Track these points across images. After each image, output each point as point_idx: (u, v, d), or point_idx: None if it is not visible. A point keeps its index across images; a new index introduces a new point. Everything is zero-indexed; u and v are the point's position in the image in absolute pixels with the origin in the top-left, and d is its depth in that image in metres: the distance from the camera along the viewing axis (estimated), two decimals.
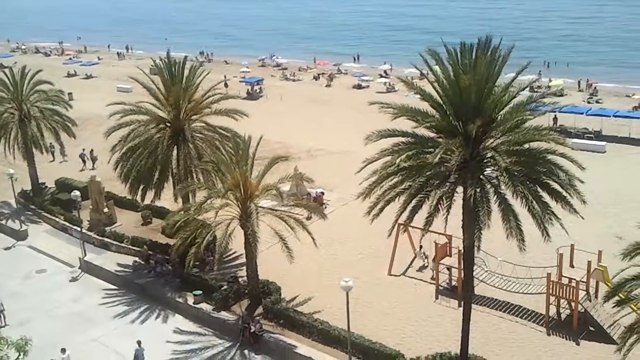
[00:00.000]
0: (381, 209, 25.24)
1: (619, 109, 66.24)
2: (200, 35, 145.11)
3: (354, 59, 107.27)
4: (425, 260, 36.33)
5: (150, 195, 38.13)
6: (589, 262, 30.38)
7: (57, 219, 45.70)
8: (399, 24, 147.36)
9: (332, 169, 51.90)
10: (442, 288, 34.25)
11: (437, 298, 33.57)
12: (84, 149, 58.47)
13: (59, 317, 34.83)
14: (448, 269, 34.41)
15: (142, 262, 38.25)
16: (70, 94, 71.74)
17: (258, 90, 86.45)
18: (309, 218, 36.66)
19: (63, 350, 29.39)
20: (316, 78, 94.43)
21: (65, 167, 57.53)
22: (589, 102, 71.70)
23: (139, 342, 30.47)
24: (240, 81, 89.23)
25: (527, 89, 28.23)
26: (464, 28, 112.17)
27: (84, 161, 58.45)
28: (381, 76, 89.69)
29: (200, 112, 38.28)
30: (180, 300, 34.66)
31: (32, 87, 49.09)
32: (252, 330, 30.79)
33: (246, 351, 30.82)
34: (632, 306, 23.40)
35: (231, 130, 37.61)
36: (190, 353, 31.03)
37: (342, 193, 46.38)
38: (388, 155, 25.05)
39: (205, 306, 33.63)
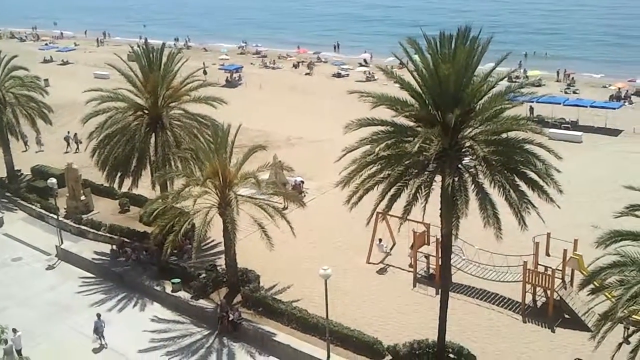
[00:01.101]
0: (360, 198, 25.31)
1: (595, 99, 66.89)
2: (177, 23, 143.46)
3: (334, 47, 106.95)
4: (386, 249, 36.53)
5: (127, 182, 37.92)
6: (565, 251, 30.75)
7: (34, 207, 45.20)
8: (376, 14, 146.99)
9: (312, 157, 51.86)
10: (420, 276, 34.49)
11: (415, 286, 33.80)
12: (68, 132, 57.75)
13: (36, 306, 34.52)
14: (426, 257, 34.64)
15: (117, 250, 37.95)
16: (46, 80, 70.79)
17: (237, 78, 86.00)
18: (285, 208, 36.59)
19: (14, 331, 29.04)
20: (296, 66, 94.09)
21: (45, 153, 56.83)
22: (566, 93, 72.29)
23: (98, 315, 31.00)
24: (220, 68, 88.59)
25: (506, 79, 28.44)
26: (443, 20, 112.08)
27: (68, 144, 57.80)
28: (361, 65, 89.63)
29: (179, 99, 38.04)
30: (158, 288, 34.51)
31: (7, 72, 48.39)
32: (230, 319, 30.79)
33: (225, 339, 30.82)
34: (607, 294, 23.71)
35: (210, 118, 37.41)
36: (169, 341, 30.95)
37: (321, 182, 46.39)
38: (367, 144, 25.09)
39: (183, 294, 33.54)
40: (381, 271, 35.45)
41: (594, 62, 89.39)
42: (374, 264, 36.13)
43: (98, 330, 30.79)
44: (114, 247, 38.31)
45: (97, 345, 30.95)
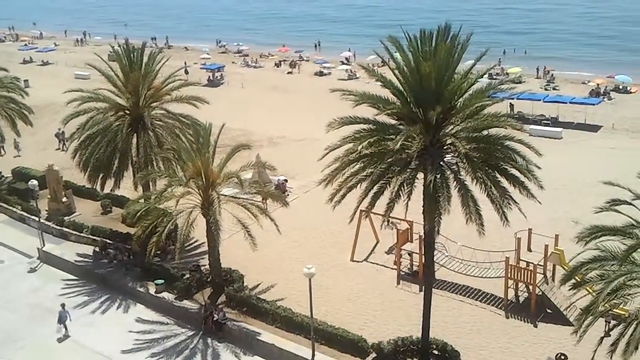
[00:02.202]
0: (343, 196, 25.37)
1: (575, 95, 67.49)
2: (157, 23, 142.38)
3: (315, 46, 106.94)
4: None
5: (109, 184, 37.69)
6: (546, 246, 31.01)
7: (15, 209, 44.76)
8: (353, 14, 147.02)
9: (295, 156, 51.84)
10: (403, 273, 34.63)
11: (398, 283, 33.94)
12: (59, 128, 57.09)
13: (17, 309, 34.21)
14: (409, 254, 34.79)
15: (100, 252, 37.72)
16: (26, 81, 70.16)
17: (219, 77, 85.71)
18: (264, 210, 35.87)
19: None
20: (278, 65, 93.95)
21: (27, 154, 56.25)
22: (546, 89, 72.87)
23: (62, 305, 31.68)
24: (201, 68, 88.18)
25: (486, 76, 28.64)
26: (423, 19, 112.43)
27: (60, 140, 57.10)
28: (343, 63, 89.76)
29: (160, 99, 37.86)
30: (141, 289, 34.36)
31: None
32: (214, 319, 30.74)
33: (209, 339, 30.76)
34: (588, 289, 23.99)
35: (192, 118, 37.26)
36: (153, 342, 30.83)
37: (304, 180, 46.38)
38: (350, 142, 25.13)
39: (167, 295, 33.42)
40: (365, 269, 35.55)
41: (573, 58, 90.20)
42: (357, 261, 36.22)
43: (62, 320, 31.26)
44: (97, 248, 38.06)
45: (61, 335, 31.35)
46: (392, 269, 35.06)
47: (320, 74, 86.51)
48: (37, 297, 35.36)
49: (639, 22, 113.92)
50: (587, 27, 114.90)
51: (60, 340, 31.02)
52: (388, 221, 27.30)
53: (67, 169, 44.03)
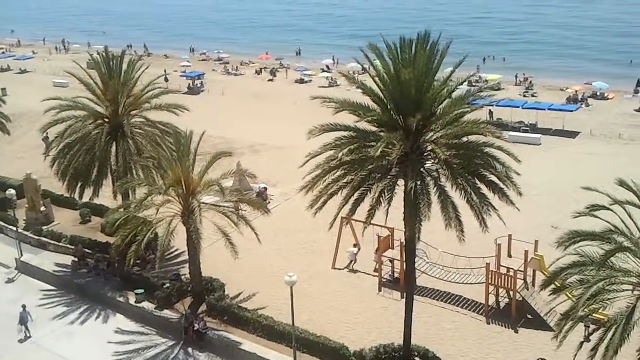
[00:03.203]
0: (324, 203, 25.35)
1: (553, 102, 68.18)
2: (135, 31, 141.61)
3: (296, 53, 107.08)
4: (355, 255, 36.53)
5: (88, 192, 37.25)
6: (526, 252, 31.22)
7: None
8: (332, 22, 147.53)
9: (275, 163, 51.79)
10: (385, 280, 34.67)
11: (380, 290, 33.96)
12: (46, 133, 56.28)
13: None
14: (390, 261, 34.83)
15: (78, 261, 37.31)
16: (3, 89, 69.58)
17: (199, 85, 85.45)
18: (237, 208, 35.44)
19: None
20: (258, 72, 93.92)
21: (9, 162, 55.55)
22: (524, 96, 73.55)
23: (23, 306, 31.75)
24: (181, 75, 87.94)
25: (465, 83, 28.84)
26: (402, 27, 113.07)
27: (46, 146, 56.13)
28: (323, 70, 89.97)
29: (140, 107, 37.56)
30: (121, 299, 34.02)
31: None
32: (195, 328, 30.50)
33: (190, 349, 30.51)
34: (568, 294, 24.15)
35: (172, 126, 37.01)
36: (133, 353, 30.49)
37: (285, 188, 46.33)
38: (330, 150, 25.14)
39: (147, 305, 33.11)
40: (346, 276, 35.51)
41: (551, 65, 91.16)
42: (339, 269, 36.18)
43: (23, 321, 31.24)
44: (76, 258, 37.64)
45: (22, 337, 31.30)
46: (373, 276, 35.08)
47: (301, 81, 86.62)
48: (15, 307, 34.44)
49: (615, 32, 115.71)
50: (565, 36, 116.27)
51: (21, 341, 31.00)
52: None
53: (45, 177, 43.55)
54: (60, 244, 39.77)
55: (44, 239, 40.59)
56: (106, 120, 36.86)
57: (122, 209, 32.69)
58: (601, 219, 21.74)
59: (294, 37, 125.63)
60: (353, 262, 36.43)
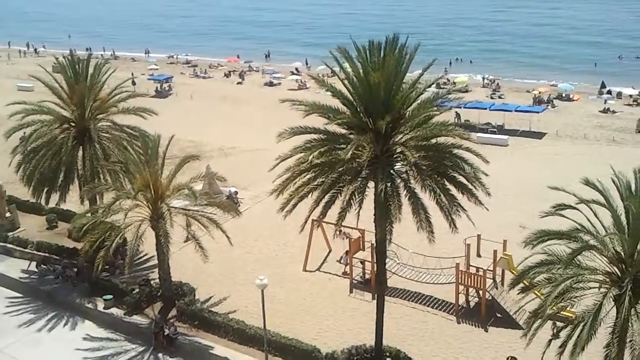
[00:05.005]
0: (294, 206, 25.33)
1: (520, 103, 69.18)
2: (99, 34, 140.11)
3: (265, 56, 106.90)
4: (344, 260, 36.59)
5: (55, 198, 36.71)
6: (495, 251, 31.56)
7: None
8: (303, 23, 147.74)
9: (246, 167, 51.60)
10: (356, 282, 34.75)
11: (351, 292, 34.03)
12: (24, 132, 55.08)
13: None
14: (362, 262, 34.93)
15: (37, 266, 36.81)
16: None
17: (167, 88, 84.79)
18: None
19: None
20: (227, 75, 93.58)
21: None
22: (492, 98, 74.44)
23: None
24: (149, 79, 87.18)
25: (434, 85, 29.08)
26: (370, 29, 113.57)
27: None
28: (293, 73, 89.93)
29: (107, 111, 37.16)
30: (89, 305, 33.54)
31: None
32: (166, 333, 30.20)
33: (160, 355, 30.14)
34: (536, 292, 24.47)
35: (140, 130, 36.70)
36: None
37: (255, 191, 46.20)
38: (301, 152, 25.15)
39: (116, 311, 32.71)
40: (318, 278, 35.52)
41: (517, 67, 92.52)
42: (310, 271, 36.18)
43: None
44: (34, 263, 37.09)
45: None
46: (344, 277, 35.14)
47: (271, 84, 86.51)
48: None
49: (580, 34, 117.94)
50: (531, 39, 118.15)
51: None
52: (340, 231, 27.44)
53: (10, 183, 42.77)
54: (26, 250, 39.05)
55: (9, 245, 39.78)
56: (72, 124, 36.40)
57: (89, 214, 32.26)
58: (568, 218, 22.07)
59: (267, 38, 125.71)
60: (346, 265, 35.98)
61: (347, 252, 35.29)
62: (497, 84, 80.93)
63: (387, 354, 27.37)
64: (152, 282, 34.12)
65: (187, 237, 32.42)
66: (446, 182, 24.90)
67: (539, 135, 61.12)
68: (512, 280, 23.96)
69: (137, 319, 32.09)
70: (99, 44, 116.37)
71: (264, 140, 48.09)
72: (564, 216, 22.22)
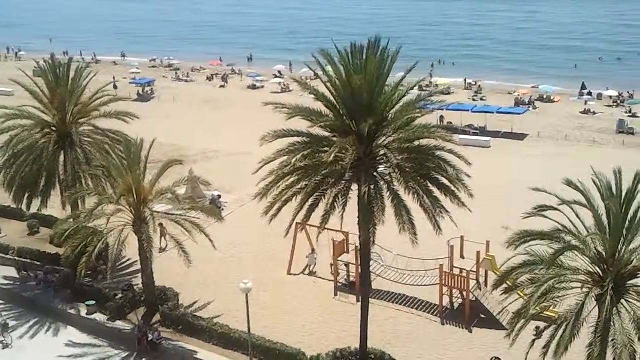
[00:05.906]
0: (279, 209, 25.26)
1: (501, 105, 69.70)
2: (81, 37, 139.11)
3: (248, 59, 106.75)
4: (315, 260, 36.77)
5: (36, 203, 36.42)
6: (478, 253, 31.72)
7: None
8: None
9: (229, 170, 51.45)
10: (340, 285, 34.74)
11: (336, 295, 34.02)
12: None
13: None
14: (346, 265, 34.93)
15: (18, 272, 36.51)
16: None
17: (149, 92, 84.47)
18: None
19: None
20: (210, 79, 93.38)
21: None
22: (474, 100, 74.95)
23: None
24: (131, 83, 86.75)
25: (416, 88, 29.19)
26: (352, 30, 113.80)
27: None
28: (275, 76, 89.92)
29: (88, 115, 36.95)
30: (72, 311, 33.27)
31: None
32: (149, 339, 30.01)
33: None
34: (519, 293, 24.63)
35: (122, 134, 36.51)
36: None
37: (239, 194, 46.05)
38: (284, 156, 25.11)
39: (99, 316, 32.46)
40: (302, 282, 35.47)
41: (499, 70, 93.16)
42: (294, 274, 36.12)
43: None
44: (17, 269, 36.76)
45: None
46: (329, 280, 35.13)
47: (253, 87, 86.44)
48: None
49: (561, 37, 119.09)
50: (512, 41, 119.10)
51: None
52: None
53: None
54: (7, 256, 38.61)
55: None
56: (54, 129, 36.13)
57: (71, 220, 31.98)
58: (550, 219, 22.25)
59: (249, 41, 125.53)
60: (312, 266, 36.43)
61: (313, 250, 35.91)
62: (479, 86, 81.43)
63: (372, 357, 27.37)
64: (135, 287, 33.89)
65: (161, 248, 32.47)
66: (429, 184, 24.97)
67: (521, 136, 61.58)
68: (496, 281, 24.11)
69: (120, 324, 31.87)
70: (79, 47, 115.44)
71: (247, 143, 47.86)
72: (546, 217, 22.40)
